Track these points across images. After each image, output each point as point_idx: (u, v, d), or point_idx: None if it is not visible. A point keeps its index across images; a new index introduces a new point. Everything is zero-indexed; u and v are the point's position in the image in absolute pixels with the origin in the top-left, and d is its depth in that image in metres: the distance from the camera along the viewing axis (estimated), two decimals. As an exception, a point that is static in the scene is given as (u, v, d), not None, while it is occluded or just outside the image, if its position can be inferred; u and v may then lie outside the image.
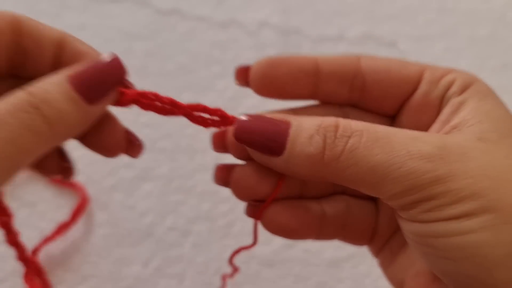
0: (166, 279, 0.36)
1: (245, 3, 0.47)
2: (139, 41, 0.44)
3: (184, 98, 0.42)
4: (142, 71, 0.43)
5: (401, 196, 0.16)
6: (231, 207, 0.39)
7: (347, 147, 0.16)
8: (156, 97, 0.21)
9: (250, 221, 0.38)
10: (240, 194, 0.20)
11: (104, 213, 0.38)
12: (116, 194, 0.38)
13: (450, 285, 0.17)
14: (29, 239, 0.31)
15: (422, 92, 0.20)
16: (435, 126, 0.20)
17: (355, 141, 0.16)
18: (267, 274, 0.37)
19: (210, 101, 0.42)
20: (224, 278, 0.30)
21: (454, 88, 0.20)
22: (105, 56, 0.19)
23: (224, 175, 0.20)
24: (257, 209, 0.20)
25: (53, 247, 0.36)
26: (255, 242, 0.22)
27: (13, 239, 0.24)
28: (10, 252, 0.35)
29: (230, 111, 0.42)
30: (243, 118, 0.18)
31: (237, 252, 0.24)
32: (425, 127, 0.20)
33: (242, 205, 0.38)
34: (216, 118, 0.20)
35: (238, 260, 0.37)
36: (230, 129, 0.19)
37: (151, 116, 0.41)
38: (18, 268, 0.35)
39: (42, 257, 0.35)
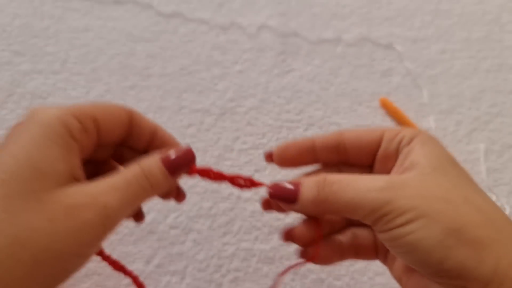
0: (168, 276, 0.36)
1: (245, 7, 0.47)
2: (142, 42, 0.45)
3: (185, 98, 0.43)
4: (144, 72, 0.43)
5: (368, 216, 0.25)
6: (231, 205, 0.39)
7: (331, 191, 0.26)
8: (210, 170, 0.29)
9: (249, 220, 0.39)
10: (300, 243, 0.29)
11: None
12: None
13: (418, 269, 0.25)
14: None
15: (383, 148, 0.29)
16: (395, 169, 0.28)
17: (335, 187, 0.26)
18: (266, 271, 0.37)
19: (210, 102, 0.43)
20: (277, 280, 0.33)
21: (404, 142, 0.28)
22: (184, 146, 0.29)
23: (289, 236, 0.29)
24: (308, 251, 0.29)
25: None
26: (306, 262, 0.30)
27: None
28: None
29: (230, 111, 0.42)
30: (273, 184, 0.28)
31: (287, 270, 0.31)
32: (389, 171, 0.28)
33: (241, 204, 0.39)
34: (247, 183, 0.30)
35: (239, 257, 0.37)
36: (267, 192, 0.28)
37: (152, 116, 0.42)
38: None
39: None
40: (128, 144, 0.30)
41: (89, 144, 0.26)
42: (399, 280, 0.28)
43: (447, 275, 0.23)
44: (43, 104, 0.41)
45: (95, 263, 0.36)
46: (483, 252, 0.23)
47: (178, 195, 0.31)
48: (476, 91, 0.45)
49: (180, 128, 0.41)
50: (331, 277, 0.37)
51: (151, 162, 0.26)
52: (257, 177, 0.40)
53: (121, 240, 0.37)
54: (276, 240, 0.38)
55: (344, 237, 0.30)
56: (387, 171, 0.28)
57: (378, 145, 0.29)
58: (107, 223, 0.23)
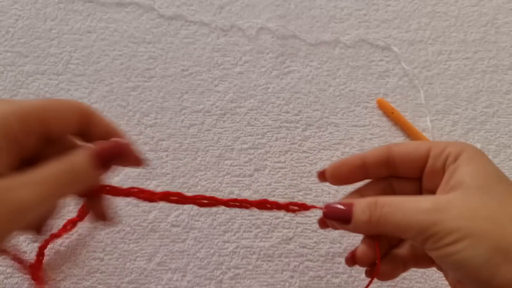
0: (169, 274, 0.37)
1: (245, 10, 0.47)
2: (144, 44, 0.45)
3: (186, 99, 0.43)
4: (146, 73, 0.44)
5: (417, 237, 0.26)
6: (232, 204, 0.40)
7: (382, 213, 0.27)
8: (268, 201, 0.31)
9: (249, 218, 0.39)
10: (362, 265, 0.31)
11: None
12: (121, 192, 0.39)
13: (469, 285, 0.26)
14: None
15: (430, 165, 0.30)
16: (441, 187, 0.29)
17: (385, 209, 0.27)
18: (266, 268, 0.38)
19: (211, 103, 0.43)
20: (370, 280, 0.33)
21: (450, 159, 0.29)
22: (116, 139, 0.28)
23: (351, 260, 0.31)
24: (372, 270, 0.31)
25: (60, 243, 0.37)
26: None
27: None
28: (16, 248, 0.36)
29: (230, 112, 0.43)
30: (326, 205, 0.30)
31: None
32: (437, 186, 0.29)
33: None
34: (300, 208, 0.31)
35: (239, 255, 0.38)
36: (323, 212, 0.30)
37: (154, 117, 0.42)
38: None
39: (49, 253, 0.36)
40: (85, 139, 0.29)
41: (32, 143, 0.26)
42: (454, 287, 0.30)
43: None
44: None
45: (97, 261, 0.37)
46: None
47: (104, 217, 0.30)
48: (473, 92, 0.46)
49: (181, 128, 0.42)
50: (330, 275, 0.38)
51: (79, 155, 0.26)
52: (256, 176, 0.41)
53: (123, 239, 0.38)
54: (275, 238, 0.38)
55: (403, 250, 0.32)
56: (435, 185, 0.29)
57: (425, 160, 0.30)
58: (17, 218, 0.23)
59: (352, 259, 0.31)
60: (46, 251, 0.36)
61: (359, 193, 0.32)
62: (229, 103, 0.43)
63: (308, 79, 0.45)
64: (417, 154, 0.30)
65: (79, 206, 0.37)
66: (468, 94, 0.46)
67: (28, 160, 0.26)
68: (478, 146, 0.44)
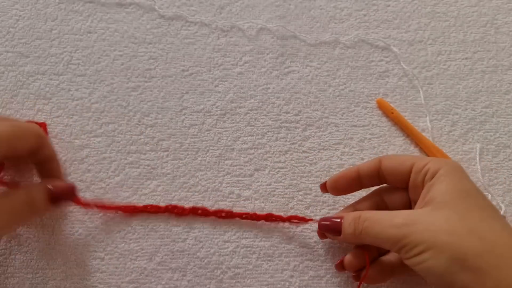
0: (170, 273, 0.37)
1: (245, 10, 0.48)
2: (144, 44, 0.45)
3: (187, 99, 0.43)
4: (146, 73, 0.44)
5: (392, 247, 0.30)
6: (232, 204, 0.40)
7: (364, 227, 0.32)
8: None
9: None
10: (351, 270, 0.36)
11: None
12: (121, 192, 0.39)
13: None
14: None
15: (412, 180, 0.33)
16: (419, 201, 0.33)
17: (366, 224, 0.32)
18: (266, 268, 0.38)
19: (211, 103, 0.43)
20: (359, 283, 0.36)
21: (428, 175, 0.32)
22: (67, 183, 0.36)
23: (341, 266, 0.36)
24: (359, 275, 0.36)
25: (61, 242, 0.37)
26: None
27: None
28: (17, 248, 0.37)
29: (230, 112, 0.43)
30: (321, 219, 0.36)
31: None
32: (417, 199, 0.33)
33: (241, 203, 0.40)
34: (300, 220, 0.38)
35: (239, 255, 0.38)
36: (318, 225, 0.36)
37: (155, 117, 0.42)
38: (26, 263, 0.36)
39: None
40: (33, 157, 0.34)
41: None
42: None
43: None
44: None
45: (98, 261, 0.37)
46: (484, 277, 0.27)
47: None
48: (472, 92, 0.46)
49: (182, 128, 0.42)
50: (330, 274, 0.38)
51: (37, 190, 0.31)
52: (256, 176, 0.41)
53: (123, 238, 0.38)
54: (275, 237, 0.39)
55: (391, 257, 0.35)
56: (417, 198, 0.33)
57: (409, 175, 0.33)
58: None
59: (340, 265, 0.36)
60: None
61: (353, 207, 0.37)
62: (229, 103, 0.43)
63: (308, 79, 0.45)
64: (402, 169, 0.34)
65: None
66: (468, 94, 0.46)
67: None
68: (478, 146, 0.44)
